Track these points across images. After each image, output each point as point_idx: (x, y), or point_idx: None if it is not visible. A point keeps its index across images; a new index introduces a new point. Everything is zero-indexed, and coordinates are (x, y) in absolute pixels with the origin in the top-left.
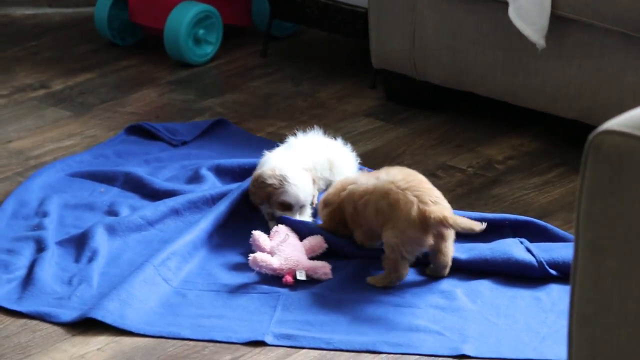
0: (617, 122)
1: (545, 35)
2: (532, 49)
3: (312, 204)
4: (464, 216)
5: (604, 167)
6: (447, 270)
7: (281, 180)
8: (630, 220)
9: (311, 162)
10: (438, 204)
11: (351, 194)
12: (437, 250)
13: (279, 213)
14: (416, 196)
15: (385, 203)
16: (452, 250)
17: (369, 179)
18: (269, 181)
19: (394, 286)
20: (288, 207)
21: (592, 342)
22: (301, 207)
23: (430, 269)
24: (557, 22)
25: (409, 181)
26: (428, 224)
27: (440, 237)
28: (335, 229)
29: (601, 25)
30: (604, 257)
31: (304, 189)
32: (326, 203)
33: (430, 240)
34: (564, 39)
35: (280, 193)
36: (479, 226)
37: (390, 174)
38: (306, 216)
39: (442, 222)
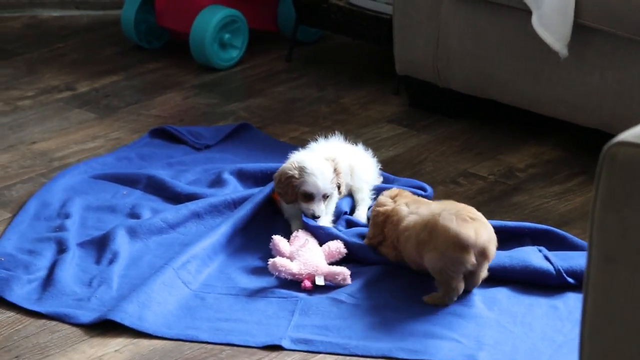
0: (631, 134)
1: (568, 44)
2: (554, 57)
3: (339, 193)
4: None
5: (618, 178)
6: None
7: (300, 171)
8: None
9: (334, 156)
10: (477, 221)
11: (398, 221)
12: (474, 272)
13: (304, 206)
14: (453, 214)
15: (426, 232)
16: (486, 272)
17: (410, 211)
18: (290, 173)
19: (447, 305)
20: (310, 197)
21: (604, 352)
22: (324, 196)
23: None
24: (580, 31)
25: (447, 204)
26: (467, 242)
27: (482, 256)
28: (377, 239)
29: (624, 35)
30: (616, 268)
31: (323, 177)
32: (375, 212)
33: (472, 259)
34: (586, 48)
35: (300, 183)
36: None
37: (430, 207)
38: (331, 208)
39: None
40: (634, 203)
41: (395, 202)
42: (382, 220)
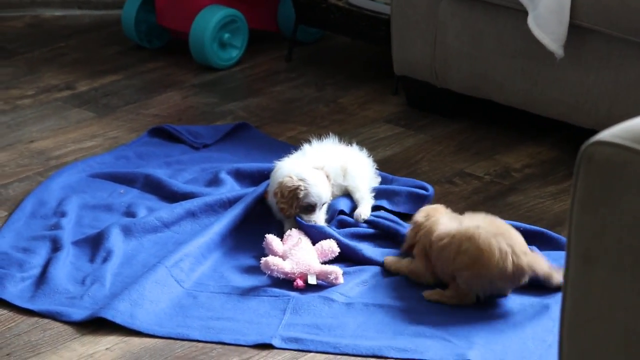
0: (609, 134)
1: (564, 45)
2: (550, 58)
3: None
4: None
5: (595, 178)
6: None
7: (302, 184)
8: (620, 231)
9: (322, 163)
10: (528, 255)
11: (428, 228)
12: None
13: (305, 218)
14: (510, 245)
15: (473, 247)
16: None
17: (451, 222)
18: (293, 186)
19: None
20: (312, 208)
21: (583, 352)
22: (322, 204)
23: None
24: (576, 32)
25: (497, 226)
26: (521, 277)
27: (518, 284)
28: (407, 251)
29: (619, 35)
30: (594, 268)
31: (323, 187)
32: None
33: (510, 290)
34: (582, 48)
35: (303, 196)
36: (558, 279)
37: (474, 220)
38: (323, 213)
39: (536, 274)
40: (611, 203)
41: (428, 218)
42: (412, 235)
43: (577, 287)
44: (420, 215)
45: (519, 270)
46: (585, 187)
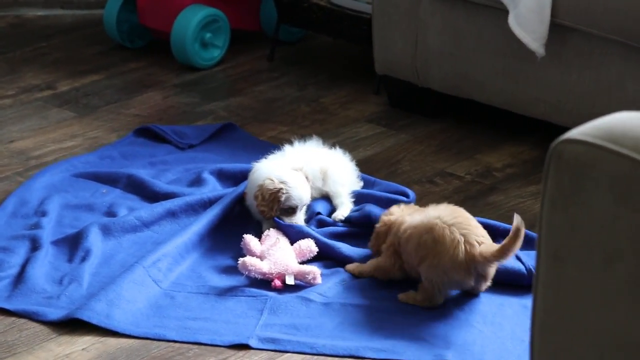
0: (578, 131)
1: (545, 44)
2: (531, 57)
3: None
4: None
5: (564, 176)
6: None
7: (283, 187)
8: (590, 230)
9: (300, 164)
10: (484, 244)
11: (397, 225)
12: (473, 288)
13: (285, 219)
14: (463, 235)
15: (430, 237)
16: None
17: (417, 214)
18: (275, 189)
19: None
20: (293, 210)
21: (554, 351)
22: (303, 206)
23: None
24: (557, 30)
25: (455, 217)
26: (474, 266)
27: (482, 278)
28: (377, 251)
29: (600, 34)
30: (564, 266)
31: (304, 189)
32: (379, 224)
33: (472, 282)
34: (563, 47)
35: (285, 199)
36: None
37: (437, 210)
38: (303, 214)
39: (489, 261)
40: (581, 201)
41: (402, 212)
42: (384, 231)
43: (547, 286)
44: (390, 214)
45: (470, 258)
46: (554, 185)
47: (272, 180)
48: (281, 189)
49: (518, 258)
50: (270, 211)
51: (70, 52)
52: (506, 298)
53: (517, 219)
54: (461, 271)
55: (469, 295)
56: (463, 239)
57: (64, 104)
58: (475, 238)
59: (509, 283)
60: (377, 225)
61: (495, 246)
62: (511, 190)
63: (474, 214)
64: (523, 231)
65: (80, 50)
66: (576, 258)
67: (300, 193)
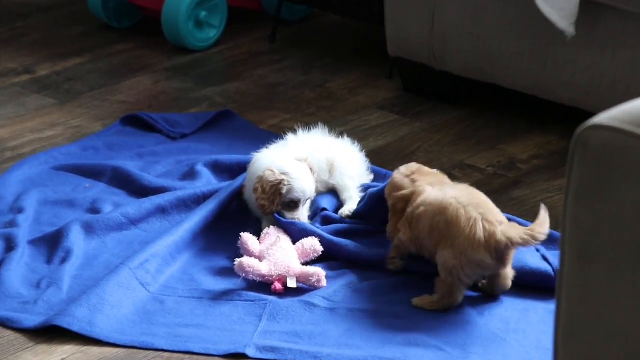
0: (606, 117)
1: (575, 22)
2: (560, 37)
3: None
4: None
5: (591, 166)
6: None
7: (284, 178)
8: (620, 225)
9: (304, 154)
10: (505, 225)
11: (416, 196)
12: (496, 275)
13: (288, 215)
14: (480, 214)
15: (443, 220)
16: (512, 273)
17: (434, 190)
18: (275, 181)
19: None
20: (296, 204)
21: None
22: (306, 200)
23: (484, 284)
24: (588, 7)
25: (472, 197)
26: (494, 246)
27: (502, 261)
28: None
29: (636, 10)
30: (591, 266)
31: (307, 181)
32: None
33: (493, 265)
34: (595, 26)
35: (287, 192)
36: (542, 236)
37: (455, 189)
38: (306, 210)
39: (513, 243)
40: (609, 194)
41: (414, 181)
42: (402, 208)
43: (572, 288)
44: (400, 187)
45: (492, 237)
46: (580, 176)
47: (273, 171)
48: (283, 180)
49: (545, 258)
50: (270, 205)
51: (50, 33)
52: (531, 303)
53: (544, 208)
54: (480, 249)
55: (489, 298)
56: (481, 217)
57: (44, 89)
58: (497, 218)
59: (534, 286)
60: (391, 203)
61: (518, 227)
62: (537, 184)
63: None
64: (548, 218)
65: (62, 30)
66: (604, 257)
67: (304, 185)
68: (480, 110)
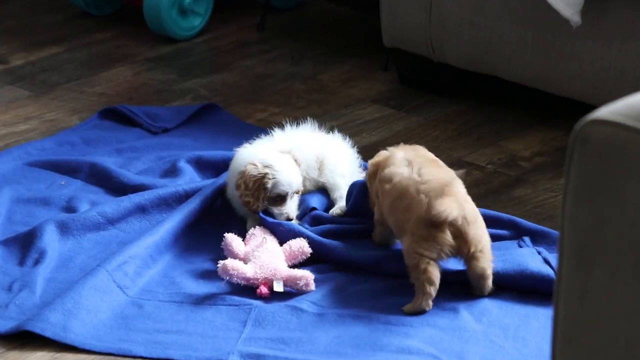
0: (608, 111)
1: (581, 11)
2: (566, 26)
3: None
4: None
5: (591, 163)
6: (487, 284)
7: (268, 171)
8: (622, 225)
9: (287, 146)
10: (450, 197)
11: (382, 167)
12: (466, 257)
13: (275, 211)
14: (433, 188)
15: (402, 205)
16: (488, 256)
17: (402, 165)
18: (259, 175)
19: (427, 310)
20: (283, 198)
21: None
22: (294, 193)
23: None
24: None
25: (437, 177)
26: (436, 220)
27: (460, 237)
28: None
29: None
30: (591, 268)
31: (293, 173)
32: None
33: (448, 238)
34: (603, 15)
35: (272, 185)
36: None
37: (431, 174)
38: (295, 203)
39: (445, 219)
40: (610, 191)
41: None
42: (373, 172)
43: (570, 292)
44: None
45: (431, 212)
46: (579, 174)
47: (256, 165)
48: (267, 174)
49: (546, 261)
50: (256, 202)
51: (24, 21)
52: (531, 308)
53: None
54: (425, 224)
55: (487, 303)
56: (431, 192)
57: (17, 80)
58: (449, 190)
59: (535, 290)
60: (367, 172)
61: (471, 204)
62: (540, 183)
63: (497, 210)
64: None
65: (37, 18)
66: (604, 260)
67: (290, 177)
68: (481, 104)
